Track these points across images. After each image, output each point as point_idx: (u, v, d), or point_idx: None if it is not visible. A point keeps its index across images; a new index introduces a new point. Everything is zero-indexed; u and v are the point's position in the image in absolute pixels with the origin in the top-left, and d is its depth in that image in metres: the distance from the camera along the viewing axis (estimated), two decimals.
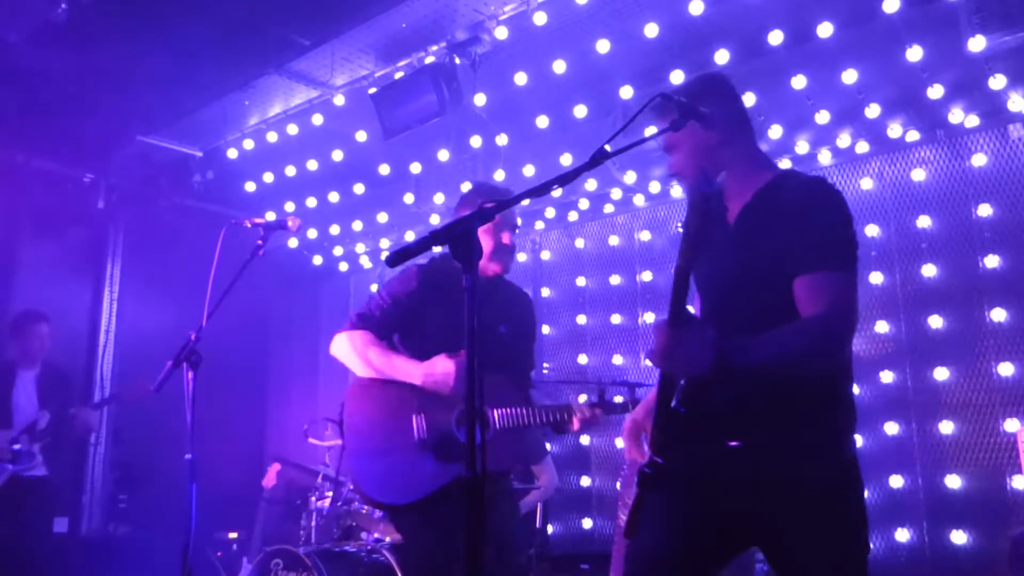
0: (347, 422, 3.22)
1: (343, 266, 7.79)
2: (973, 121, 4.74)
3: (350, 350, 3.19)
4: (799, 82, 4.74)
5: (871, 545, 2.11)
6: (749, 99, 4.90)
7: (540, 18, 4.70)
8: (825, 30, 4.51)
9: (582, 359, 6.27)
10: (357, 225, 7.03)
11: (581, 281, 6.41)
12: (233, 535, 6.44)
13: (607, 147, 2.08)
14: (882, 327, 4.97)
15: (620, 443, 5.87)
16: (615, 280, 6.23)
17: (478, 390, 1.72)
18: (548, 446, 5.35)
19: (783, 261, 2.05)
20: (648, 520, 2.13)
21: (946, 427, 4.67)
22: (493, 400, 3.04)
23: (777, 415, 2.05)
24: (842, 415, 2.12)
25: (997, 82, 4.41)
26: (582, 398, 6.18)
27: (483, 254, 3.04)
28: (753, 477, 2.05)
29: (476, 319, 1.75)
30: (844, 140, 5.08)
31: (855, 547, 2.05)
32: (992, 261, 4.69)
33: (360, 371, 3.20)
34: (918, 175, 5.00)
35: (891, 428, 4.82)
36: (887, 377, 4.91)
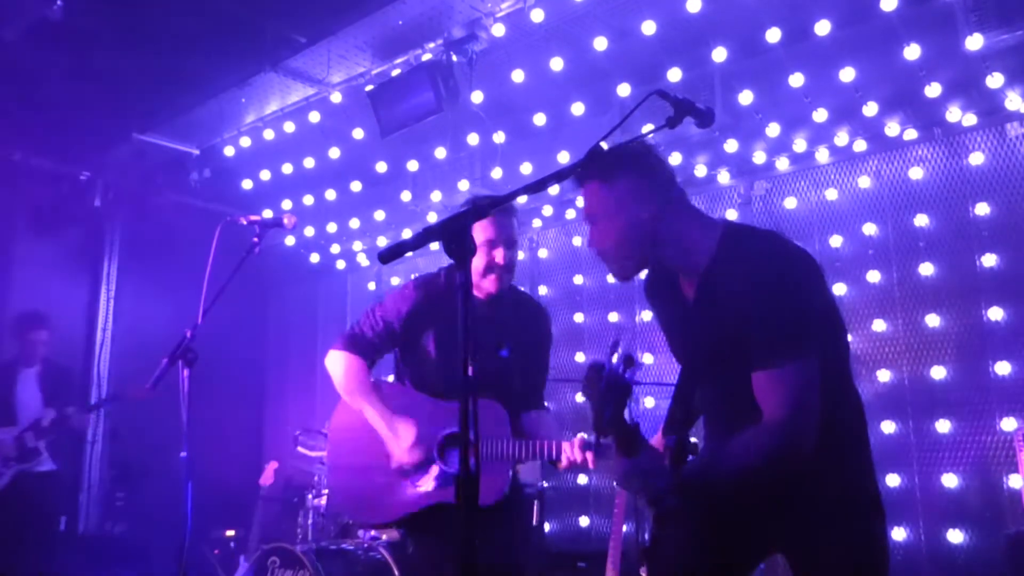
0: (331, 437, 3.23)
1: (340, 264, 7.78)
2: (971, 119, 4.74)
3: (336, 376, 3.15)
4: (796, 80, 4.74)
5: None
6: (746, 97, 4.91)
7: (537, 15, 4.70)
8: (823, 28, 4.51)
9: (579, 357, 6.25)
10: (354, 223, 7.02)
11: (578, 279, 6.40)
12: (230, 533, 6.44)
13: (603, 144, 2.08)
14: (879, 326, 4.97)
15: None
16: (612, 278, 6.20)
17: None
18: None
19: (742, 349, 1.99)
20: (671, 540, 2.15)
21: (943, 426, 4.67)
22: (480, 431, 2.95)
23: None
24: (855, 463, 2.11)
25: (995, 80, 4.41)
26: (578, 397, 6.21)
27: (475, 272, 2.96)
28: (775, 493, 2.04)
29: (470, 320, 1.71)
30: (842, 138, 5.08)
31: (873, 563, 2.05)
32: (989, 260, 4.69)
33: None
34: (916, 173, 4.99)
35: (888, 427, 4.81)
36: (884, 376, 4.90)
